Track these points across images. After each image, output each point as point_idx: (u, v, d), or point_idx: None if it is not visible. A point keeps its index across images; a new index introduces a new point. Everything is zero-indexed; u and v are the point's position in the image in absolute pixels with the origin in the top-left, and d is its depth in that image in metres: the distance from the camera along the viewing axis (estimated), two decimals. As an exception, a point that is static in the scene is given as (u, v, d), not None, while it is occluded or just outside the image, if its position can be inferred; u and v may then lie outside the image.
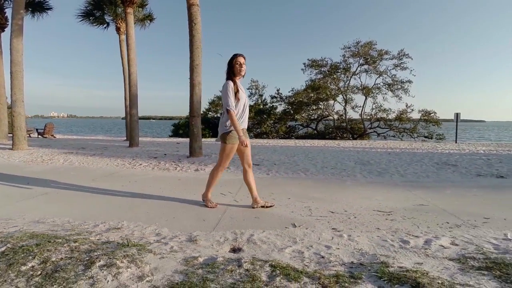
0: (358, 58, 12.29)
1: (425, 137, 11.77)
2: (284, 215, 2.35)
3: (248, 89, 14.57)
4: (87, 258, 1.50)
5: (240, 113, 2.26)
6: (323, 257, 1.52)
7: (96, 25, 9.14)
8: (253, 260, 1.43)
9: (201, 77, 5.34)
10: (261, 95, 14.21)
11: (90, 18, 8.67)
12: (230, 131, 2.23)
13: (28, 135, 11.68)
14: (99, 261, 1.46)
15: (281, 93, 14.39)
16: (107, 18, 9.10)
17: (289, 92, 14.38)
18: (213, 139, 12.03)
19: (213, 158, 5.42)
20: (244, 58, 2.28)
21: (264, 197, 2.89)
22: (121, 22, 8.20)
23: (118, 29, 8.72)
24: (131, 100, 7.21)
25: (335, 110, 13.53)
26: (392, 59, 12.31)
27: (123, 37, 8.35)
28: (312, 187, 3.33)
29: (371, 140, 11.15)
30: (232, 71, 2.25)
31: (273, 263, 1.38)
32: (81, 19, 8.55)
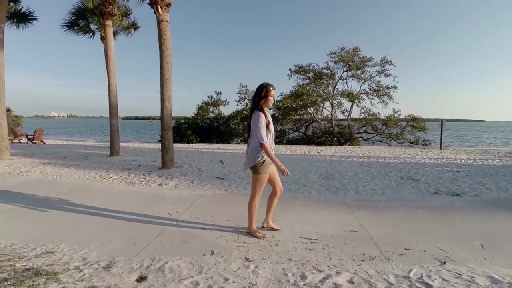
0: (343, 64, 12.38)
1: (411, 142, 11.81)
2: (210, 240, 2.43)
3: (237, 93, 14.73)
4: (-5, 287, 1.62)
5: (270, 144, 2.32)
6: (210, 292, 1.61)
7: (81, 33, 9.29)
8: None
9: (171, 91, 5.44)
10: (250, 100, 14.30)
11: (75, 28, 8.82)
12: (262, 161, 2.29)
13: (18, 141, 11.93)
14: (4, 290, 1.58)
15: (271, 97, 14.42)
16: (93, 26, 9.24)
17: (278, 96, 14.47)
18: (201, 145, 12.15)
19: (184, 170, 5.52)
20: (274, 88, 2.33)
21: (206, 218, 2.99)
22: (105, 31, 8.31)
23: (102, 38, 8.85)
24: (111, 110, 7.34)
25: (324, 115, 13.60)
26: (374, 66, 12.46)
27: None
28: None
29: (356, 147, 11.18)
30: (264, 102, 2.27)
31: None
32: (66, 29, 8.71)
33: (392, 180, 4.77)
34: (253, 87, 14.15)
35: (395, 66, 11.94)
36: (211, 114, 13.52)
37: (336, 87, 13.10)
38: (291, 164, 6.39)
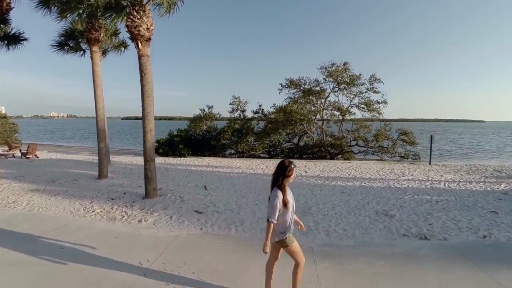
0: (333, 80, 12.49)
1: (401, 157, 11.90)
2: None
3: (230, 104, 14.83)
4: None
5: (289, 221, 2.36)
6: None
7: (72, 52, 9.37)
8: None
9: (153, 124, 5.55)
10: (243, 111, 14.43)
11: (65, 48, 8.91)
12: (286, 237, 2.36)
13: (12, 155, 12.07)
14: None
15: (262, 109, 14.63)
16: (83, 45, 9.31)
17: (270, 107, 14.58)
18: (192, 159, 12.28)
19: (166, 201, 5.62)
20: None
21: (173, 269, 3.10)
22: (91, 57, 8.33)
23: (93, 58, 8.92)
24: (99, 134, 7.45)
25: (317, 124, 13.61)
26: (362, 84, 12.61)
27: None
28: (227, 253, 3.51)
29: (346, 163, 11.23)
30: (286, 180, 2.33)
31: None
32: (56, 49, 8.79)
33: (367, 215, 4.86)
34: (246, 98, 14.16)
35: (383, 84, 12.24)
36: (203, 126, 13.68)
37: (328, 98, 13.21)
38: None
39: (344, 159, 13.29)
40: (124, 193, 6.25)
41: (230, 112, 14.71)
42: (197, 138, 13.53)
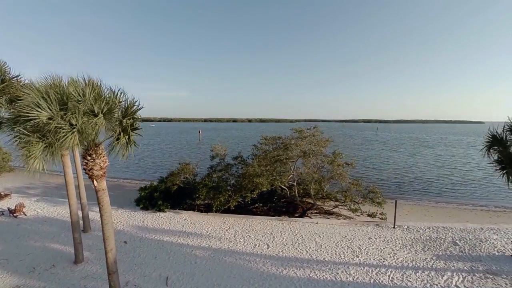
0: (304, 142, 13.08)
1: (369, 215, 12.47)
2: None
3: (211, 150, 15.43)
4: None
5: None
6: None
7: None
8: None
9: (113, 245, 6.24)
10: (222, 159, 15.02)
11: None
12: None
13: (0, 213, 12.77)
14: None
15: (242, 156, 15.18)
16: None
17: (248, 156, 15.12)
18: (172, 213, 12.99)
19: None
20: None
21: None
22: (62, 162, 8.64)
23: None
24: (73, 226, 8.13)
25: (290, 176, 14.05)
26: (325, 156, 13.22)
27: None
28: None
29: (312, 225, 11.81)
30: None
31: None
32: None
33: None
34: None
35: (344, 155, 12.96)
36: (181, 178, 14.31)
37: (295, 165, 13.72)
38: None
39: (321, 204, 13.94)
40: (93, 295, 6.94)
41: (211, 158, 15.35)
42: (176, 190, 14.10)
